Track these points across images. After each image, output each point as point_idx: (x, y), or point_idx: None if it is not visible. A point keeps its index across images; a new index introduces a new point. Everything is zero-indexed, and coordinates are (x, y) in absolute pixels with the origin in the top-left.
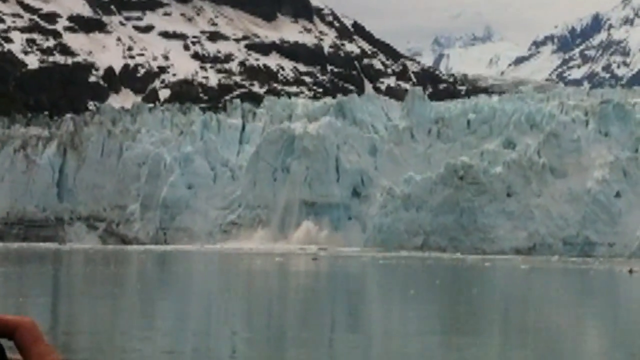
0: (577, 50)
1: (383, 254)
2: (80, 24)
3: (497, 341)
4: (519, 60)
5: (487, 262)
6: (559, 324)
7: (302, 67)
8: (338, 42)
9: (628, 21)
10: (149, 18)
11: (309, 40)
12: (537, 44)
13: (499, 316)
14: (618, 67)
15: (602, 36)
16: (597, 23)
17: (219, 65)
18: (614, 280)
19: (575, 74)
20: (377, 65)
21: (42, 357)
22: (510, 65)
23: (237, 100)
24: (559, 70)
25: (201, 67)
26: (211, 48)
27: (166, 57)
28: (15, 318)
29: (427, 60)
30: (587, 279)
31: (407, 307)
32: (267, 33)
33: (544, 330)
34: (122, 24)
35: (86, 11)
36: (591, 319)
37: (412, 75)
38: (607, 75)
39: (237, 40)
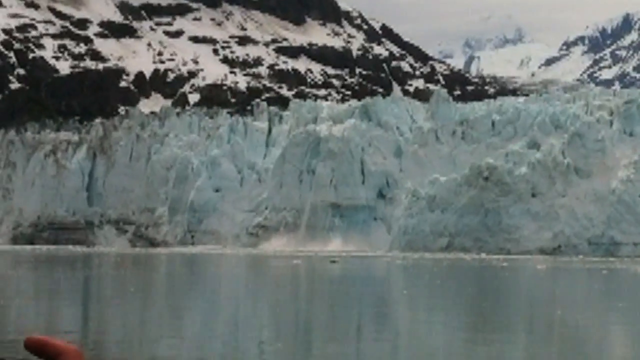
0: (607, 51)
1: (404, 254)
2: (111, 30)
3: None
4: (550, 62)
5: (504, 263)
6: (567, 324)
7: (330, 70)
8: (366, 44)
9: None
10: (179, 23)
11: (337, 43)
12: (568, 45)
13: (508, 315)
14: None
15: (632, 36)
16: (627, 23)
17: (248, 69)
18: (633, 280)
19: (606, 74)
20: (406, 67)
21: None
22: (541, 66)
23: (264, 104)
24: (590, 70)
25: (230, 71)
26: (240, 52)
27: (196, 62)
28: (62, 344)
29: (458, 63)
30: (602, 279)
31: (421, 307)
32: (296, 37)
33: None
34: (152, 29)
35: (117, 17)
36: (603, 319)
37: (440, 78)
38: (638, 75)
39: (266, 44)
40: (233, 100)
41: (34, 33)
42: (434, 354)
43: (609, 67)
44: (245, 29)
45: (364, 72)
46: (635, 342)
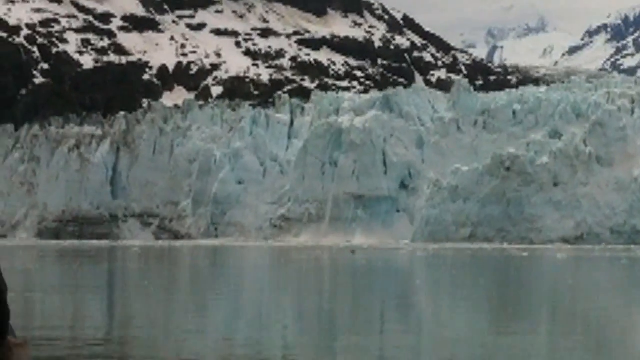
0: (630, 39)
1: (427, 245)
2: (134, 24)
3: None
4: (573, 50)
5: (524, 253)
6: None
7: (352, 62)
8: (388, 35)
9: None
10: (201, 16)
11: (359, 34)
12: (591, 34)
13: (529, 304)
14: None
15: None
16: None
17: (270, 62)
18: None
19: (630, 62)
20: (428, 58)
21: None
22: (564, 55)
23: (286, 96)
24: (613, 59)
25: (253, 64)
26: (263, 44)
27: (218, 55)
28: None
29: (482, 53)
30: (621, 268)
31: (441, 297)
32: (318, 28)
33: (569, 316)
34: (174, 22)
35: (140, 11)
36: (621, 307)
37: (462, 68)
38: None
39: (288, 36)
40: (255, 92)
41: (57, 28)
42: (457, 344)
43: (632, 55)
44: (267, 22)
45: (386, 63)
46: None
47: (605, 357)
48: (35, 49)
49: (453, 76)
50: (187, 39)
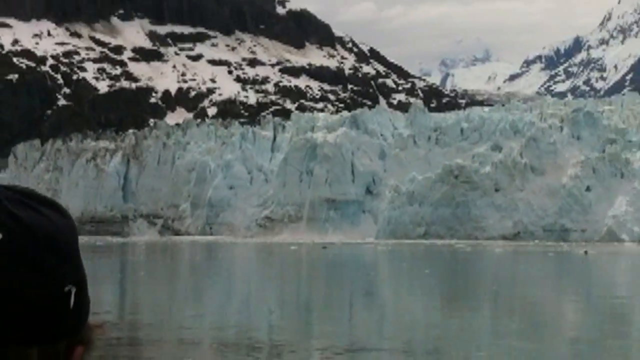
0: (561, 68)
1: (388, 241)
2: (142, 55)
3: (473, 307)
4: (513, 77)
5: (468, 248)
6: (518, 296)
7: (326, 87)
8: (357, 65)
9: (604, 42)
10: (199, 48)
11: (332, 64)
12: (528, 63)
13: (472, 290)
14: (596, 81)
15: (582, 55)
16: (578, 44)
17: (257, 87)
18: (571, 260)
19: (560, 87)
20: (390, 83)
21: None
22: (505, 81)
23: (270, 116)
24: (546, 85)
25: (242, 88)
26: (250, 72)
27: (213, 81)
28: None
29: (436, 79)
30: (548, 260)
31: (398, 284)
32: (297, 59)
33: (505, 299)
34: (176, 54)
35: (147, 44)
36: (546, 292)
37: (419, 92)
38: (587, 89)
39: (272, 66)
40: (244, 112)
41: (77, 58)
42: (414, 325)
43: (563, 81)
44: (254, 53)
45: (355, 88)
46: (573, 309)
47: (537, 332)
48: (58, 76)
49: (411, 99)
50: (186, 68)
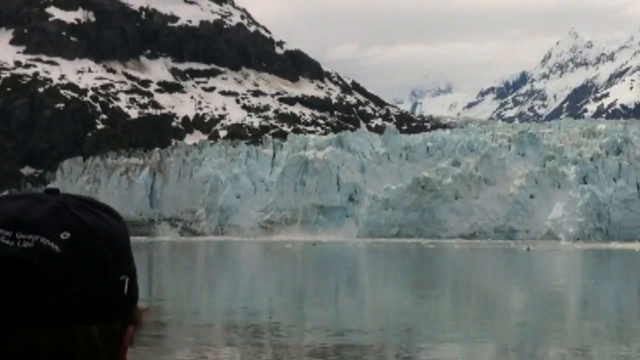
0: (510, 97)
1: (366, 240)
2: (165, 87)
3: (438, 294)
4: (470, 105)
5: (432, 245)
6: (473, 284)
7: (316, 113)
8: (342, 95)
9: (545, 76)
10: (212, 82)
11: (321, 94)
12: (483, 93)
13: (436, 278)
14: (539, 108)
15: (527, 87)
16: (523, 78)
17: (259, 113)
18: (517, 255)
19: (509, 113)
20: (369, 110)
21: None
22: (464, 108)
23: (270, 137)
24: (498, 111)
25: (248, 115)
26: (254, 101)
27: (224, 109)
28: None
29: (407, 107)
30: (496, 255)
31: (374, 274)
32: (293, 90)
33: (463, 286)
34: (194, 86)
35: (170, 78)
36: (498, 280)
37: (393, 117)
38: (531, 114)
39: (272, 96)
40: (249, 134)
41: (112, 90)
42: (388, 309)
43: (511, 108)
44: (258, 85)
45: (340, 114)
46: (519, 296)
47: (489, 314)
48: (97, 104)
49: (386, 123)
50: (202, 98)
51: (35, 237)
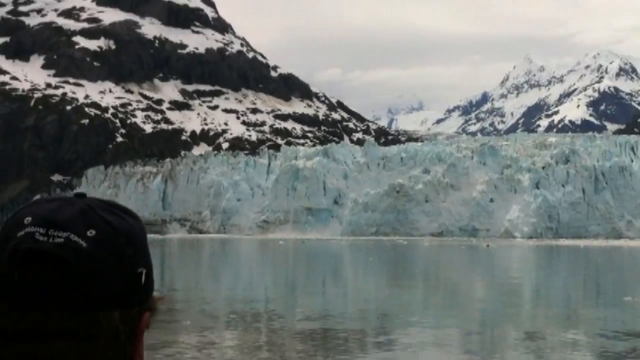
0: (473, 114)
1: (349, 238)
2: (176, 106)
3: (411, 284)
4: (439, 121)
5: (405, 242)
6: (441, 275)
7: (306, 128)
8: (328, 112)
9: (504, 96)
10: (216, 101)
11: (310, 111)
12: (450, 111)
13: (409, 270)
14: (498, 124)
15: (488, 105)
16: (485, 98)
17: (257, 128)
18: (478, 251)
19: (472, 128)
20: (351, 126)
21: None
22: (433, 124)
23: (265, 149)
24: (463, 126)
25: (247, 129)
26: (252, 118)
27: (226, 124)
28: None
29: (384, 122)
30: (461, 251)
31: (356, 267)
32: (285, 108)
33: (432, 277)
34: (200, 105)
35: (179, 98)
36: (462, 272)
37: (372, 132)
38: (492, 129)
39: (268, 113)
40: (248, 146)
41: (130, 108)
42: (366, 296)
43: (474, 124)
44: (255, 104)
45: (326, 129)
46: (480, 285)
47: (454, 302)
48: (117, 120)
49: (366, 137)
50: (207, 115)
51: (65, 234)
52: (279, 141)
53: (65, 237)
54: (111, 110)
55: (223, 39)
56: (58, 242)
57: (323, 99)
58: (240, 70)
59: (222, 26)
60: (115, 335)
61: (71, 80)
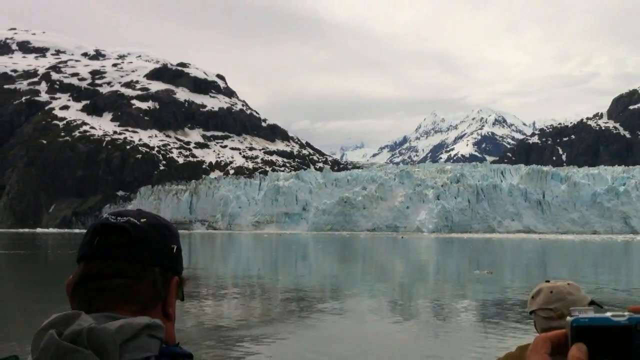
0: (397, 150)
1: (313, 232)
2: (199, 145)
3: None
4: (374, 155)
5: (348, 235)
6: (370, 256)
7: (285, 160)
8: (300, 149)
9: (418, 138)
10: (225, 142)
11: (287, 149)
12: (381, 148)
13: (354, 256)
14: (414, 157)
15: (407, 144)
16: (405, 139)
17: (252, 160)
18: (397, 241)
19: (397, 159)
20: (315, 158)
21: None
22: (371, 157)
23: (258, 173)
24: (390, 159)
25: (246, 161)
26: (250, 153)
27: (232, 157)
28: None
29: (337, 156)
30: (386, 241)
31: (315, 252)
32: (272, 146)
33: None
34: (215, 145)
35: (201, 140)
36: (387, 255)
37: (329, 162)
38: (409, 160)
39: (260, 150)
40: (246, 172)
41: (168, 147)
42: (324, 271)
43: (398, 157)
44: (251, 144)
45: (299, 161)
46: (397, 264)
47: (381, 275)
48: (160, 155)
49: (325, 166)
50: (220, 151)
51: (127, 218)
52: (267, 168)
53: (127, 219)
54: (156, 149)
55: (230, 101)
56: (123, 221)
57: (297, 140)
58: (242, 122)
59: (229, 92)
60: (154, 282)
61: (130, 129)
